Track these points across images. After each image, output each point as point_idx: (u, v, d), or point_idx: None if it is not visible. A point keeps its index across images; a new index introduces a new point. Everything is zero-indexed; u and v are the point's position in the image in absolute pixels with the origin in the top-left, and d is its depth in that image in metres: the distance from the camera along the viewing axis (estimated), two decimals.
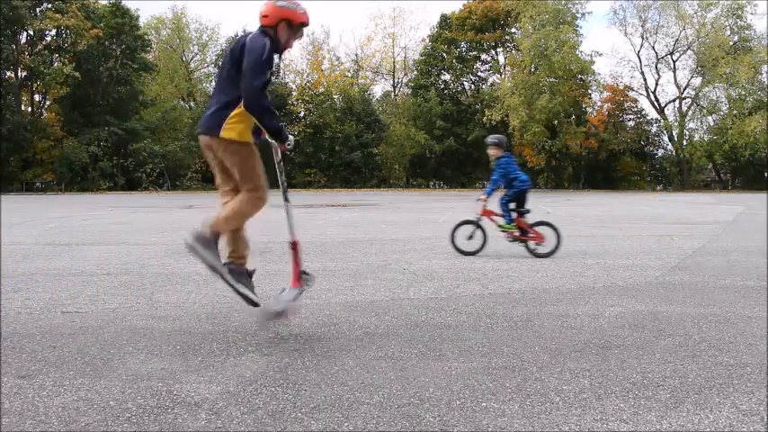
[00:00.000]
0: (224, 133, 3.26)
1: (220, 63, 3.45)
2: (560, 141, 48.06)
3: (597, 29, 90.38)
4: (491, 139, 7.40)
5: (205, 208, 19.40)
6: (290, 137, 3.47)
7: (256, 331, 3.70)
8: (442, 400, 2.55)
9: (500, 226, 7.21)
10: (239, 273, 3.54)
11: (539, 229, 7.11)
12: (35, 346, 3.35)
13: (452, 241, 7.16)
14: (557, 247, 6.95)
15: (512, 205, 7.17)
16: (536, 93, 46.49)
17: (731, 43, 47.80)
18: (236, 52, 3.26)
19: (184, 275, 5.75)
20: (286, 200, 3.70)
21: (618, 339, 3.50)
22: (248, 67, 3.15)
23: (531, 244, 7.05)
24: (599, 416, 2.38)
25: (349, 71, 54.09)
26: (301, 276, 3.72)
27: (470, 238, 7.09)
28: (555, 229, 7.02)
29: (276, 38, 3.35)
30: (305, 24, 3.45)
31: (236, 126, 3.27)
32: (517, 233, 7.11)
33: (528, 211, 7.17)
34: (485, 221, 7.21)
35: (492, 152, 7.29)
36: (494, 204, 7.24)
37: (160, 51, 55.38)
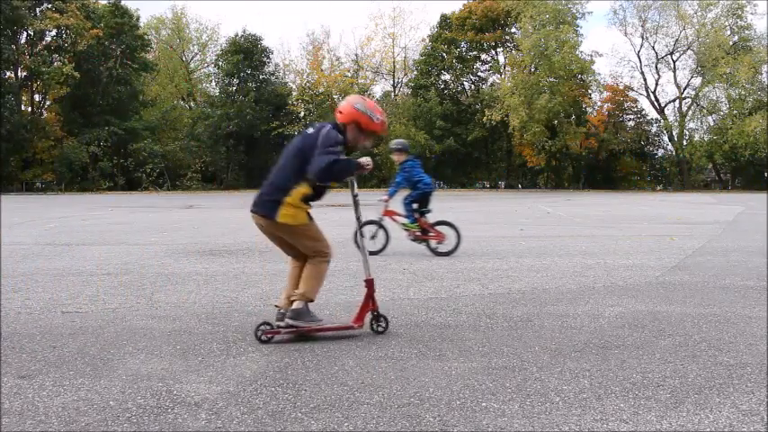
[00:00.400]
0: (281, 219, 3.48)
1: (286, 150, 3.62)
2: (560, 141, 48.05)
3: (597, 29, 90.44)
4: (394, 144, 7.57)
5: (205, 208, 19.40)
6: (364, 158, 3.60)
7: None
8: (442, 400, 2.55)
9: (403, 225, 7.40)
10: (300, 313, 3.56)
11: (440, 228, 7.28)
12: (35, 346, 3.35)
13: (355, 241, 7.22)
14: (456, 246, 7.14)
15: (415, 206, 7.35)
16: (536, 93, 46.45)
17: (731, 43, 47.76)
18: (310, 142, 3.47)
19: (184, 275, 5.75)
20: (361, 235, 3.86)
21: (618, 339, 3.50)
22: (321, 146, 3.40)
23: (433, 243, 7.23)
24: (599, 416, 2.38)
25: (349, 71, 54.05)
26: (372, 318, 3.64)
27: (373, 237, 7.24)
28: (455, 228, 7.22)
29: (345, 134, 3.58)
30: (376, 134, 3.68)
31: (290, 211, 3.48)
32: (419, 233, 7.30)
33: (429, 211, 7.37)
34: (387, 222, 7.37)
35: (395, 157, 7.47)
36: (396, 205, 7.41)
37: (160, 51, 55.38)
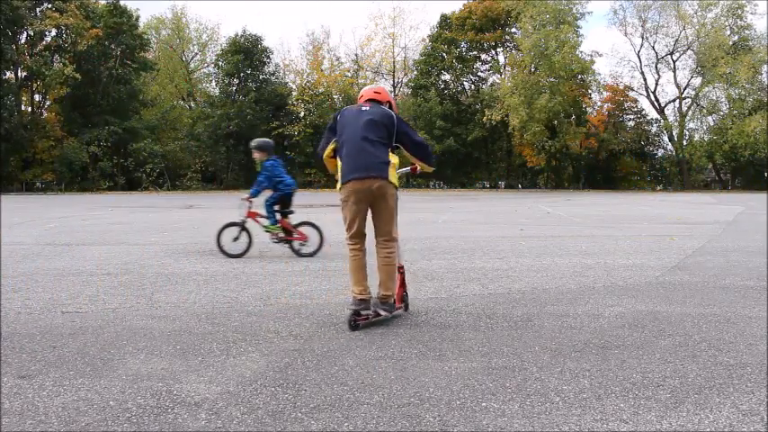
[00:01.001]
0: (391, 178, 3.91)
1: (367, 120, 3.97)
2: (560, 141, 48.04)
3: (597, 29, 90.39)
4: (254, 143, 7.50)
5: (205, 208, 19.41)
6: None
7: (257, 331, 3.69)
8: (442, 400, 2.55)
9: (265, 227, 7.32)
10: (391, 305, 3.98)
11: (303, 229, 7.25)
12: (35, 346, 3.35)
13: (218, 243, 7.18)
14: (320, 247, 7.13)
15: (276, 207, 7.28)
16: (536, 93, 46.44)
17: (731, 43, 47.74)
18: (390, 124, 3.96)
19: (184, 275, 5.75)
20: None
21: (618, 339, 3.50)
22: (409, 130, 4.05)
23: (296, 244, 7.19)
24: (599, 416, 2.38)
25: (349, 71, 54.04)
26: (401, 300, 4.16)
27: (236, 239, 7.16)
28: (318, 229, 7.21)
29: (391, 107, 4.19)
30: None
31: (394, 173, 3.96)
32: (282, 234, 7.24)
33: (292, 212, 7.32)
34: (250, 223, 7.29)
35: (257, 156, 7.39)
36: (259, 206, 7.36)
37: (160, 51, 55.36)
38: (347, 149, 3.88)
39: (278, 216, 7.24)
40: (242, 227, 7.20)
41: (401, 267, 4.11)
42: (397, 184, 3.96)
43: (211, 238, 9.34)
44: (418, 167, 4.20)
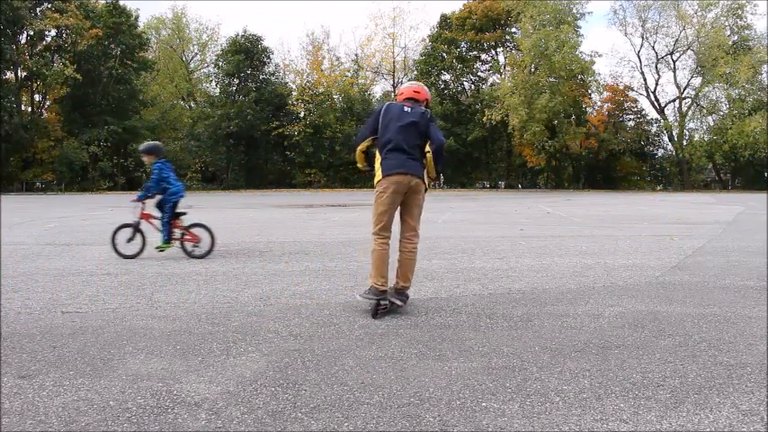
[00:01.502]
0: (425, 179, 4.30)
1: (403, 124, 4.29)
2: (560, 141, 48.04)
3: (597, 29, 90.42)
4: (142, 146, 7.50)
5: (205, 208, 19.40)
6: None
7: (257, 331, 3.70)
8: (442, 400, 2.55)
9: (159, 229, 7.30)
10: (407, 296, 4.35)
11: (195, 230, 7.24)
12: (35, 346, 3.35)
13: (113, 244, 7.17)
14: (212, 248, 7.12)
15: (167, 209, 7.27)
16: (536, 93, 46.44)
17: (731, 43, 47.74)
18: (423, 124, 4.25)
19: (184, 275, 5.75)
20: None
21: (618, 339, 3.50)
22: (437, 130, 4.30)
23: (188, 245, 7.17)
24: (599, 416, 2.38)
25: (349, 71, 54.06)
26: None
27: (130, 240, 7.16)
28: (209, 230, 7.20)
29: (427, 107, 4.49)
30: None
31: (424, 175, 4.31)
32: (176, 235, 7.23)
33: (184, 213, 7.33)
34: (144, 224, 7.29)
35: (145, 159, 7.40)
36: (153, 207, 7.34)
37: (160, 51, 55.37)
38: (391, 148, 4.21)
39: (170, 217, 7.22)
40: (136, 228, 7.20)
41: None
42: (427, 186, 4.34)
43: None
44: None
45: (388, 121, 4.23)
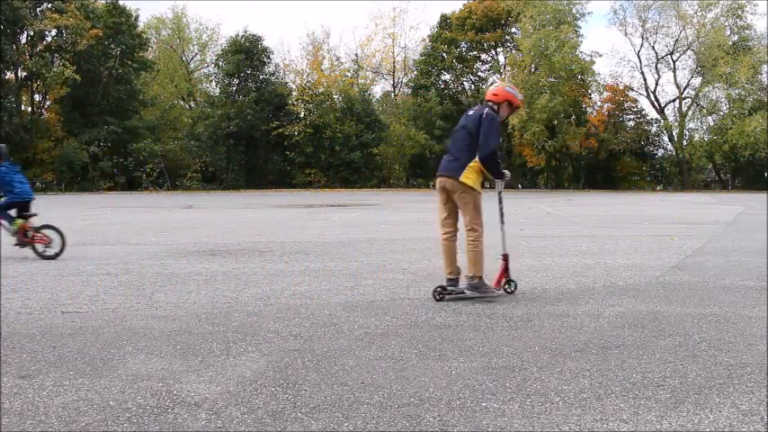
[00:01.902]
0: (462, 179, 4.52)
1: (455, 129, 4.80)
2: (560, 141, 48.02)
3: (597, 29, 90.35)
4: None
5: (204, 208, 19.41)
6: (506, 172, 4.74)
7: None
8: (442, 400, 2.55)
9: (8, 231, 7.27)
10: (476, 286, 4.62)
11: (45, 232, 7.21)
12: (35, 346, 3.35)
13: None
14: (62, 249, 7.08)
15: (13, 212, 7.26)
16: (536, 93, 46.42)
17: (731, 43, 47.72)
18: (476, 123, 4.54)
19: (184, 275, 5.75)
20: (502, 222, 4.91)
21: (618, 339, 3.50)
22: (486, 131, 4.48)
23: (39, 247, 7.15)
24: (599, 416, 2.38)
25: (349, 71, 54.00)
26: (505, 283, 4.79)
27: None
28: (59, 232, 7.18)
29: (498, 111, 4.69)
30: (519, 108, 5.00)
31: (471, 175, 4.52)
32: (25, 238, 7.18)
33: (34, 215, 7.31)
34: None
35: None
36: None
37: (160, 51, 55.34)
38: (445, 151, 4.77)
39: (19, 219, 7.18)
40: None
41: (505, 255, 4.75)
42: (471, 184, 4.52)
43: (211, 239, 9.36)
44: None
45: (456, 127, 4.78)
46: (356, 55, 55.29)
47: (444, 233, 4.73)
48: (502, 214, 4.89)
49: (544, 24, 47.02)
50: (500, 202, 4.88)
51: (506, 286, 4.79)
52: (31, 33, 43.15)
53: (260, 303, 4.51)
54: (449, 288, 4.62)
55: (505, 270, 4.76)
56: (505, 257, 4.76)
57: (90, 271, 6.04)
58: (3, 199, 7.23)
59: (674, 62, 51.45)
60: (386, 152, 50.18)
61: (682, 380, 2.79)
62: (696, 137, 51.28)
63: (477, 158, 4.48)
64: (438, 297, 4.58)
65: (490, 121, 4.50)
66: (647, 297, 4.74)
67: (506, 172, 4.72)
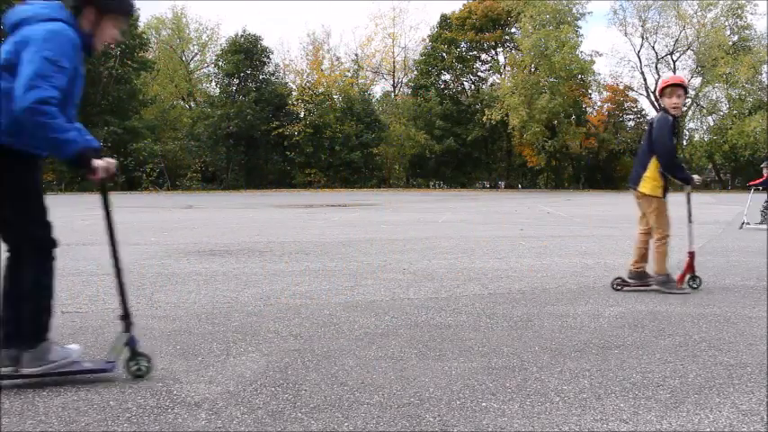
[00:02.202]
0: (641, 188, 4.94)
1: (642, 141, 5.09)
2: (560, 141, 48.03)
3: (597, 29, 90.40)
4: None
5: (204, 208, 19.42)
6: (695, 176, 5.01)
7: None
8: (442, 400, 2.55)
9: None
10: (663, 281, 4.88)
11: None
12: None
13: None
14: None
15: None
16: (536, 93, 46.44)
17: (731, 43, 47.74)
18: (648, 131, 4.81)
19: (184, 275, 5.75)
20: (690, 221, 5.16)
21: (618, 339, 3.50)
22: (656, 138, 4.71)
23: None
24: (599, 416, 2.38)
25: (349, 71, 54.02)
26: (690, 279, 5.01)
27: None
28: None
29: (664, 105, 4.85)
30: (668, 85, 4.88)
31: (648, 183, 4.91)
32: None
33: None
34: None
35: None
36: None
37: (160, 51, 55.33)
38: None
39: None
40: None
41: (692, 253, 4.97)
42: (653, 193, 4.88)
43: (211, 239, 9.37)
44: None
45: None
46: (356, 55, 55.35)
47: (641, 229, 5.17)
48: (690, 214, 5.17)
49: (544, 24, 47.05)
50: (688, 202, 5.17)
51: (691, 282, 4.98)
52: None
53: (260, 303, 4.51)
54: (629, 280, 4.96)
55: (690, 267, 4.96)
56: (691, 255, 4.98)
57: (90, 271, 6.04)
58: None
59: (674, 62, 51.49)
60: (386, 152, 50.21)
61: (682, 380, 2.79)
62: (696, 137, 51.34)
63: (653, 166, 4.79)
64: (617, 287, 4.94)
65: (659, 124, 4.68)
66: (647, 297, 4.75)
67: (695, 177, 4.97)
